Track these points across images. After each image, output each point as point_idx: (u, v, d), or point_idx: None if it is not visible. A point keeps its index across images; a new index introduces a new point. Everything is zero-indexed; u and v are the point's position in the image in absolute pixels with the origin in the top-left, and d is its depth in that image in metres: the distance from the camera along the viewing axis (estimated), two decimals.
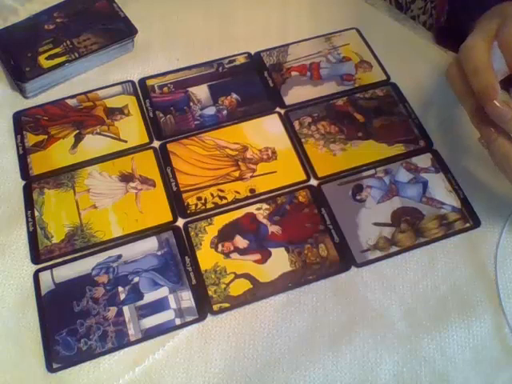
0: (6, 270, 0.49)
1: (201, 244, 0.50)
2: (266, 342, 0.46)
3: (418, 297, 0.48)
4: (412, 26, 0.67)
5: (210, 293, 0.48)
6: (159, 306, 0.47)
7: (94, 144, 0.57)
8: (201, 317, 0.47)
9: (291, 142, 0.56)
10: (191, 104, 0.59)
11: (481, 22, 0.47)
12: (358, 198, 0.53)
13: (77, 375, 0.44)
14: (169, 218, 0.52)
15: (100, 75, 0.62)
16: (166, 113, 0.59)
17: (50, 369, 0.44)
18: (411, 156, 0.55)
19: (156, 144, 0.57)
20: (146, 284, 0.48)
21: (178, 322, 0.46)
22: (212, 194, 0.53)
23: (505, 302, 0.47)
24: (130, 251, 0.50)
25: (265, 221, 0.51)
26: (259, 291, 0.48)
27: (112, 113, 0.59)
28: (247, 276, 0.48)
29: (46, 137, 0.57)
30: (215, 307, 0.47)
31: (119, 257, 0.49)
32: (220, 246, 0.50)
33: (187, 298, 0.47)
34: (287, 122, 0.58)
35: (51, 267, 0.49)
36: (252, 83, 0.61)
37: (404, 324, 0.46)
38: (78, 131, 0.57)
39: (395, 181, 0.54)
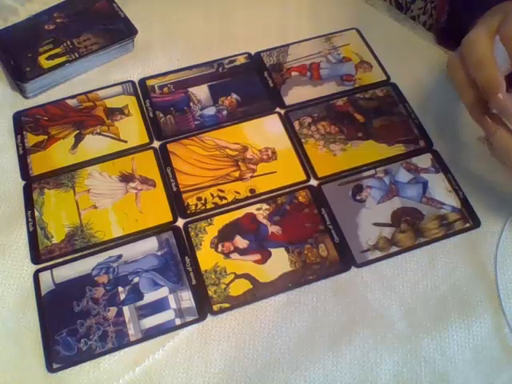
0: (6, 270, 0.49)
1: (201, 244, 0.50)
2: (265, 342, 0.46)
3: (417, 297, 0.48)
4: (412, 26, 0.67)
5: (210, 293, 0.48)
6: (159, 306, 0.47)
7: (94, 144, 0.57)
8: (201, 317, 0.47)
9: (291, 142, 0.56)
10: (191, 104, 0.59)
11: (483, 18, 0.47)
12: (358, 198, 0.53)
13: (77, 375, 0.44)
14: (169, 218, 0.52)
15: (100, 75, 0.62)
16: (166, 113, 0.59)
17: (50, 369, 0.44)
18: (411, 156, 0.55)
19: (156, 144, 0.57)
20: (146, 284, 0.48)
21: (178, 322, 0.46)
22: (212, 194, 0.53)
23: (505, 302, 0.47)
24: (130, 251, 0.50)
25: (265, 221, 0.51)
26: (259, 291, 0.48)
27: (112, 113, 0.59)
28: (247, 276, 0.48)
29: (46, 137, 0.57)
30: (215, 307, 0.47)
31: (119, 257, 0.49)
32: (220, 246, 0.50)
33: (187, 298, 0.47)
34: (287, 122, 0.58)
35: (51, 267, 0.49)
36: (252, 83, 0.61)
37: (404, 324, 0.46)
38: (78, 131, 0.57)
39: (395, 181, 0.54)
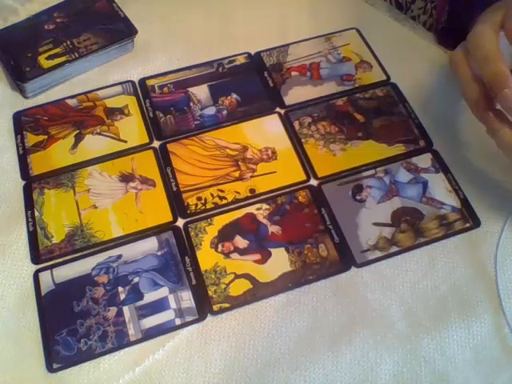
0: (6, 270, 0.49)
1: (201, 244, 0.50)
2: (265, 342, 0.46)
3: (417, 297, 0.48)
4: (412, 26, 0.67)
5: (210, 293, 0.48)
6: (159, 306, 0.47)
7: (94, 144, 0.57)
8: (201, 317, 0.47)
9: (291, 142, 0.56)
10: (191, 104, 0.59)
11: (485, 14, 0.47)
12: (358, 198, 0.53)
13: (77, 375, 0.44)
14: (169, 218, 0.52)
15: (100, 75, 0.62)
16: (166, 113, 0.59)
17: (50, 369, 0.44)
18: (411, 156, 0.55)
19: (156, 144, 0.57)
20: (146, 284, 0.48)
21: (178, 322, 0.46)
22: (212, 194, 0.53)
23: (505, 302, 0.47)
24: (130, 251, 0.50)
25: (265, 221, 0.51)
26: (259, 291, 0.48)
27: (112, 113, 0.59)
28: (247, 276, 0.48)
29: (46, 137, 0.57)
30: (215, 307, 0.47)
31: (119, 257, 0.49)
32: (220, 246, 0.50)
33: (187, 298, 0.47)
34: (287, 122, 0.58)
35: (51, 267, 0.49)
36: (252, 83, 0.61)
37: (404, 324, 0.46)
38: (78, 131, 0.57)
39: (395, 181, 0.54)
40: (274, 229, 0.51)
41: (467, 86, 0.46)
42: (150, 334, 0.46)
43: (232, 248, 0.50)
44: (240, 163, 0.55)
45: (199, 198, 0.53)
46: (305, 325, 0.47)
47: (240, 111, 0.59)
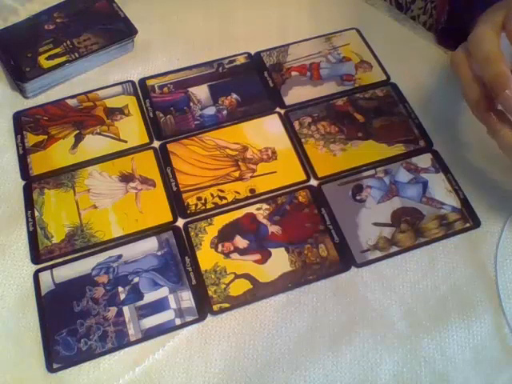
0: (6, 270, 0.49)
1: (201, 244, 0.50)
2: (265, 342, 0.46)
3: (417, 297, 0.48)
4: (412, 26, 0.67)
5: (210, 293, 0.48)
6: (159, 306, 0.47)
7: (94, 144, 0.57)
8: (201, 317, 0.47)
9: (291, 142, 0.56)
10: (191, 104, 0.59)
11: (486, 14, 0.46)
12: (358, 198, 0.53)
13: (77, 375, 0.44)
14: (169, 218, 0.52)
15: (100, 75, 0.62)
16: (166, 113, 0.59)
17: (50, 369, 0.44)
18: (411, 156, 0.55)
19: (156, 144, 0.57)
20: (146, 284, 0.48)
21: (177, 322, 0.46)
22: (212, 194, 0.53)
23: (505, 302, 0.47)
24: (130, 251, 0.50)
25: (265, 221, 0.51)
26: (259, 291, 0.48)
27: (112, 113, 0.59)
28: (247, 276, 0.48)
29: (46, 137, 0.57)
30: (215, 307, 0.47)
31: (119, 257, 0.49)
32: (220, 246, 0.50)
33: (187, 298, 0.47)
34: (287, 122, 0.58)
35: (51, 267, 0.49)
36: (252, 83, 0.61)
37: (404, 324, 0.46)
38: (78, 131, 0.57)
39: (395, 181, 0.54)
40: (273, 229, 0.51)
41: (468, 87, 0.46)
42: (149, 334, 0.46)
43: (232, 248, 0.50)
44: (240, 163, 0.55)
45: (199, 198, 0.53)
46: (305, 325, 0.47)
47: (240, 111, 0.59)
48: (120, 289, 0.48)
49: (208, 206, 0.52)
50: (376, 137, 0.57)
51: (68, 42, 0.62)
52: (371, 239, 0.50)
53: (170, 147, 0.56)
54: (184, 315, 0.47)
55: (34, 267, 0.49)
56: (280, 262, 0.49)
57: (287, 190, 0.53)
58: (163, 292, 0.48)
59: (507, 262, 0.49)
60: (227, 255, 0.50)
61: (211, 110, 0.59)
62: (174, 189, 0.53)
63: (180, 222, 0.51)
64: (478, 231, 0.51)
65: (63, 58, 0.60)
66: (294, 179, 0.54)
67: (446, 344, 0.45)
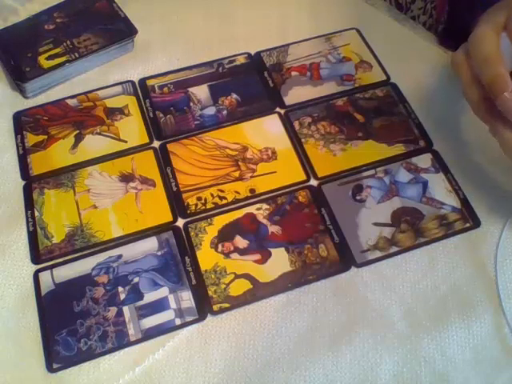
0: (6, 270, 0.49)
1: (201, 244, 0.50)
2: (265, 342, 0.46)
3: (417, 297, 0.48)
4: (412, 26, 0.67)
5: (210, 293, 0.48)
6: (159, 306, 0.47)
7: (94, 144, 0.57)
8: (201, 317, 0.47)
9: (291, 142, 0.56)
10: (191, 104, 0.59)
11: (488, 14, 0.46)
12: (358, 198, 0.53)
13: (77, 375, 0.44)
14: (169, 218, 0.52)
15: (100, 75, 0.62)
16: (166, 113, 0.59)
17: (50, 369, 0.44)
18: (411, 156, 0.55)
19: (156, 144, 0.57)
20: (146, 284, 0.48)
21: (177, 322, 0.46)
22: (212, 194, 0.53)
23: (505, 302, 0.47)
24: (130, 251, 0.50)
25: (265, 221, 0.51)
26: (259, 291, 0.48)
27: (112, 113, 0.59)
28: (247, 276, 0.48)
29: (46, 137, 0.57)
30: (215, 307, 0.47)
31: (119, 257, 0.49)
32: (220, 246, 0.50)
33: (187, 298, 0.47)
34: (287, 122, 0.58)
35: (51, 267, 0.49)
36: (252, 83, 0.61)
37: (404, 324, 0.46)
38: (78, 131, 0.57)
39: (395, 181, 0.54)
40: (274, 229, 0.51)
41: (469, 88, 0.46)
42: (149, 334, 0.46)
43: (232, 248, 0.50)
44: (240, 163, 0.55)
45: (199, 198, 0.53)
46: (305, 325, 0.47)
47: (240, 111, 0.59)
48: (120, 289, 0.48)
49: (208, 206, 0.52)
50: (376, 137, 0.57)
51: (68, 42, 0.62)
52: (371, 239, 0.50)
53: (170, 147, 0.56)
54: (184, 315, 0.47)
55: (34, 267, 0.49)
56: (280, 261, 0.49)
57: (287, 190, 0.53)
58: (163, 292, 0.48)
59: (507, 262, 0.49)
60: (227, 255, 0.50)
61: (211, 110, 0.59)
62: (174, 189, 0.53)
63: (180, 222, 0.51)
64: (478, 231, 0.51)
65: (63, 58, 0.60)
66: (294, 179, 0.54)
67: (446, 344, 0.45)
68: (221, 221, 0.51)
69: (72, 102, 0.60)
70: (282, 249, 0.50)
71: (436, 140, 0.56)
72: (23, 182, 0.54)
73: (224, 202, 0.53)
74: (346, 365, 0.45)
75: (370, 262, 0.49)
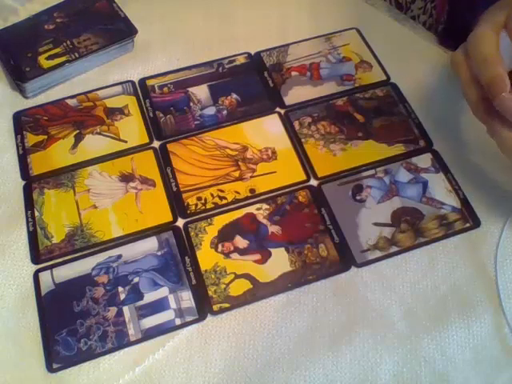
0: (6, 270, 0.49)
1: (201, 244, 0.50)
2: (265, 342, 0.46)
3: (417, 297, 0.48)
4: (412, 26, 0.67)
5: (209, 293, 0.48)
6: (159, 306, 0.47)
7: (94, 144, 0.57)
8: (201, 317, 0.47)
9: (291, 142, 0.56)
10: (191, 104, 0.59)
11: (487, 14, 0.46)
12: (358, 198, 0.53)
13: (77, 375, 0.44)
14: (169, 218, 0.52)
15: (100, 75, 0.62)
16: (166, 113, 0.59)
17: (50, 369, 0.44)
18: (411, 156, 0.55)
19: (156, 144, 0.57)
20: (146, 284, 0.48)
21: (177, 322, 0.46)
22: (212, 194, 0.53)
23: (505, 302, 0.47)
24: (130, 251, 0.50)
25: (265, 221, 0.51)
26: (259, 291, 0.48)
27: (112, 113, 0.59)
28: (247, 276, 0.48)
29: (45, 137, 0.57)
30: (215, 307, 0.47)
31: (119, 257, 0.49)
32: (220, 246, 0.50)
33: (187, 298, 0.47)
34: (287, 122, 0.58)
35: (51, 267, 0.49)
36: (252, 83, 0.61)
37: (404, 324, 0.46)
38: (78, 131, 0.57)
39: (395, 181, 0.54)
40: (274, 229, 0.51)
41: (468, 88, 0.46)
42: (149, 334, 0.46)
43: (232, 248, 0.50)
44: (240, 163, 0.55)
45: (199, 198, 0.53)
46: (305, 325, 0.47)
47: (240, 111, 0.59)
48: (120, 289, 0.48)
49: (208, 206, 0.52)
50: (376, 137, 0.57)
51: (68, 42, 0.62)
52: (371, 239, 0.50)
53: (170, 147, 0.56)
54: (184, 315, 0.47)
55: (34, 267, 0.49)
56: (280, 261, 0.49)
57: (287, 189, 0.53)
58: (163, 292, 0.48)
59: (507, 262, 0.49)
60: (227, 255, 0.50)
61: (211, 110, 0.59)
62: (174, 189, 0.53)
63: (180, 222, 0.51)
64: (477, 231, 0.51)
65: (63, 58, 0.60)
66: (294, 179, 0.54)
67: (446, 344, 0.45)
68: (221, 221, 0.51)
69: (72, 102, 0.60)
70: (282, 249, 0.50)
71: (436, 140, 0.56)
72: (23, 182, 0.54)
73: (224, 201, 0.53)
74: (345, 365, 0.45)
75: (370, 261, 0.49)
